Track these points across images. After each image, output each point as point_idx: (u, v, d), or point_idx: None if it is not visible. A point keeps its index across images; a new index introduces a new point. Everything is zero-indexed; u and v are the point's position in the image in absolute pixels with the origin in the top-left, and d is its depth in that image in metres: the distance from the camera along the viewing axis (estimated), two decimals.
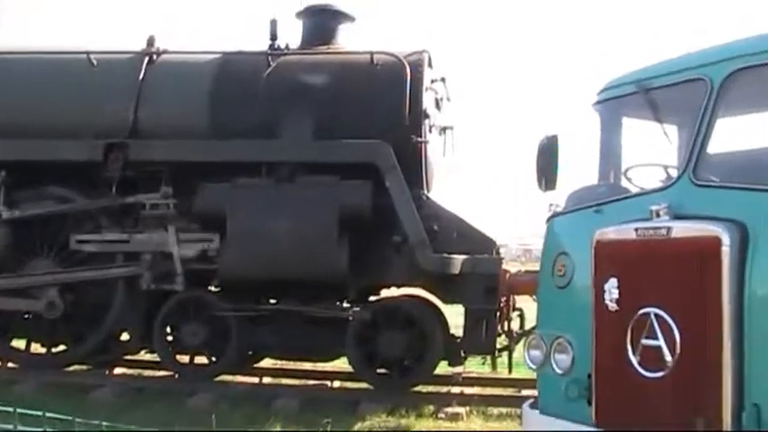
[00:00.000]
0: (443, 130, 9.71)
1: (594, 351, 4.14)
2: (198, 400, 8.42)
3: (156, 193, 8.88)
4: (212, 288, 9.19)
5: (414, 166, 8.89)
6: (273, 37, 9.52)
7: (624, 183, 4.97)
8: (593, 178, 5.06)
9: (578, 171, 5.21)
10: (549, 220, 4.91)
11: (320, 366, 9.92)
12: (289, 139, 8.80)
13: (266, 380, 9.71)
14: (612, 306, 4.03)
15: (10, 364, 9.59)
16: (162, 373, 9.62)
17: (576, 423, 4.18)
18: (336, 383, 9.59)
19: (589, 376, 4.17)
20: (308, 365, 9.97)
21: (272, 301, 8.95)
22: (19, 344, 9.63)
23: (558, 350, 4.43)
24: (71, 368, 9.58)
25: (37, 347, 9.65)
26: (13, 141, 9.12)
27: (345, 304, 8.97)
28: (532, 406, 4.72)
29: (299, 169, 8.72)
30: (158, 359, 9.38)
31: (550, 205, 4.98)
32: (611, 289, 4.02)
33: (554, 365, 4.44)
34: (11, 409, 4.34)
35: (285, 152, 8.75)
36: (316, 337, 8.90)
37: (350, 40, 9.80)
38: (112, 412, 7.37)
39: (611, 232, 4.15)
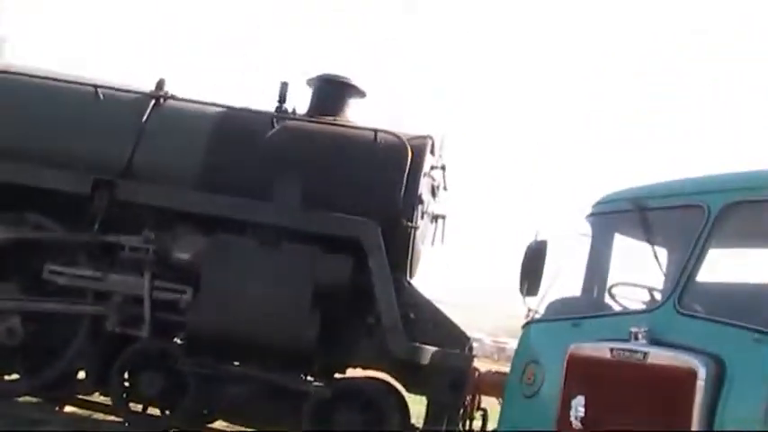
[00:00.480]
0: (435, 218, 9.65)
1: None
2: None
3: (138, 236, 8.74)
4: (176, 340, 9.00)
5: (400, 249, 8.80)
6: (282, 99, 9.50)
7: (607, 299, 4.90)
8: (577, 289, 5.00)
9: (562, 279, 5.15)
10: (525, 325, 4.84)
11: None
12: (278, 203, 8.71)
13: None
14: (577, 424, 3.92)
15: None
16: (112, 418, 9.37)
17: None
18: None
19: None
20: None
21: (236, 363, 8.75)
22: None
23: None
24: (20, 399, 9.31)
25: None
26: (1, 163, 9.01)
27: (309, 378, 8.77)
28: None
29: (283, 234, 8.61)
30: (110, 403, 9.13)
31: (529, 310, 4.90)
32: (578, 406, 3.92)
33: None
34: None
35: (272, 215, 8.65)
36: (274, 406, 8.69)
37: (358, 114, 9.79)
38: None
39: (587, 348, 4.07)
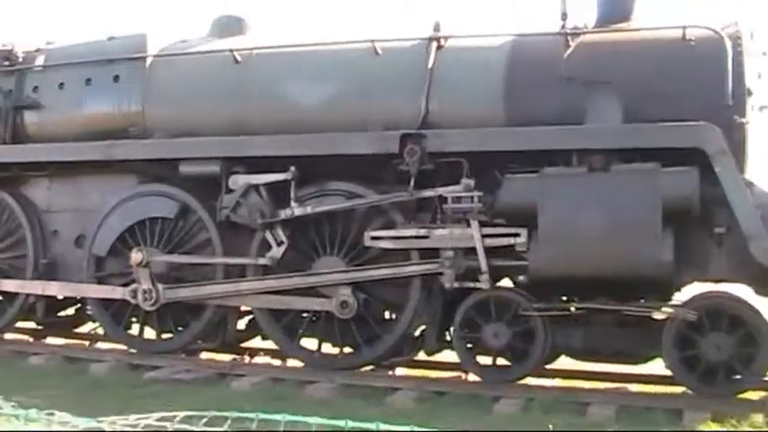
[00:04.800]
0: (761, 108, 8.79)
1: None
2: (505, 405, 7.90)
3: (457, 185, 8.35)
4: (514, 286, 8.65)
5: (735, 149, 8.03)
6: (564, 16, 8.84)
7: None
8: None
9: None
10: None
11: (629, 369, 9.17)
12: (600, 125, 8.11)
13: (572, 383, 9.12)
14: None
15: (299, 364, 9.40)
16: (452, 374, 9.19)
17: None
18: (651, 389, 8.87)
19: None
20: (611, 368, 9.24)
21: (582, 299, 8.28)
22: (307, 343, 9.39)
23: None
24: (362, 370, 9.22)
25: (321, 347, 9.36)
26: (302, 136, 8.85)
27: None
28: None
29: (612, 157, 8.01)
30: (456, 361, 8.90)
31: None
32: None
33: None
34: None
35: (598, 138, 8.05)
36: (627, 338, 8.23)
37: (648, 17, 9.04)
38: (412, 417, 6.98)
39: None
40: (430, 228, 8.51)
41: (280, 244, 8.96)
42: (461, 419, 7.51)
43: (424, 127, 8.67)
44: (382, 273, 8.70)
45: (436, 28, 9.05)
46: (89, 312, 11.25)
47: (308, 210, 8.88)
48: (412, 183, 8.49)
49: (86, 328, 11.65)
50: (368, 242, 8.71)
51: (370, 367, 9.33)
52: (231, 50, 9.48)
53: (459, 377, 9.31)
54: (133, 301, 9.50)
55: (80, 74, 10.24)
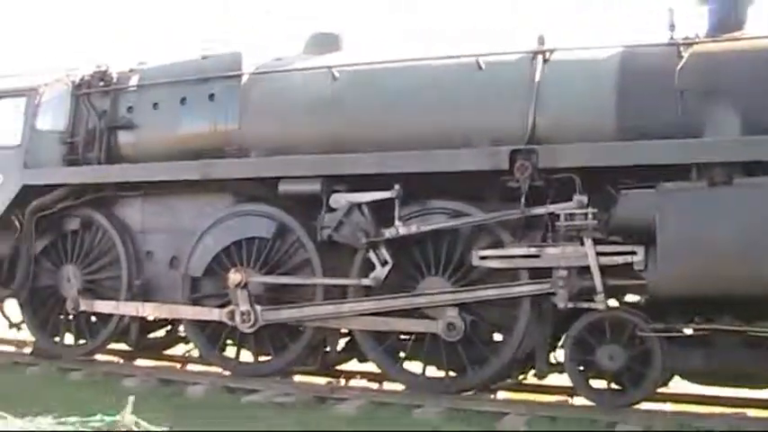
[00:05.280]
0: None
1: None
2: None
3: (569, 202, 8.07)
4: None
5: None
6: (672, 27, 8.53)
7: None
8: None
9: None
10: None
11: (743, 393, 8.78)
12: (721, 137, 7.76)
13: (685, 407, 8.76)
14: None
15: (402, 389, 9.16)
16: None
17: None
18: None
19: None
20: (729, 392, 8.85)
21: (703, 318, 7.90)
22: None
23: None
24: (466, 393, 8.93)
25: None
26: (409, 153, 8.61)
27: None
28: None
29: (733, 170, 7.65)
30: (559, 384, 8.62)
31: None
32: None
33: None
34: None
35: (720, 152, 7.68)
36: (751, 360, 7.80)
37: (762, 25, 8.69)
38: None
39: None
40: (541, 246, 8.21)
41: (384, 264, 8.73)
42: None
43: (532, 142, 8.40)
44: (491, 293, 8.42)
45: (541, 41, 8.79)
46: (180, 334, 11.17)
47: (414, 229, 8.63)
48: (523, 200, 8.21)
49: (178, 349, 11.54)
50: (476, 261, 8.44)
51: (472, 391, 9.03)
52: (329, 67, 9.31)
53: (566, 401, 9.00)
54: (230, 322, 9.34)
55: (175, 93, 10.16)
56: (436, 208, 8.85)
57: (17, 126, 10.83)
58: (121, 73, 10.79)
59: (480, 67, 8.80)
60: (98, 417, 6.99)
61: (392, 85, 9.12)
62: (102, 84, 10.72)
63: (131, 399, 6.97)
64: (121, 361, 11.32)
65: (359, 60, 9.40)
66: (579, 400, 8.75)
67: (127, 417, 6.77)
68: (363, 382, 10.09)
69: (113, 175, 10.32)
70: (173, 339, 11.41)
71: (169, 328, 11.33)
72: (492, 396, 9.19)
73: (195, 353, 10.54)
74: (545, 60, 8.68)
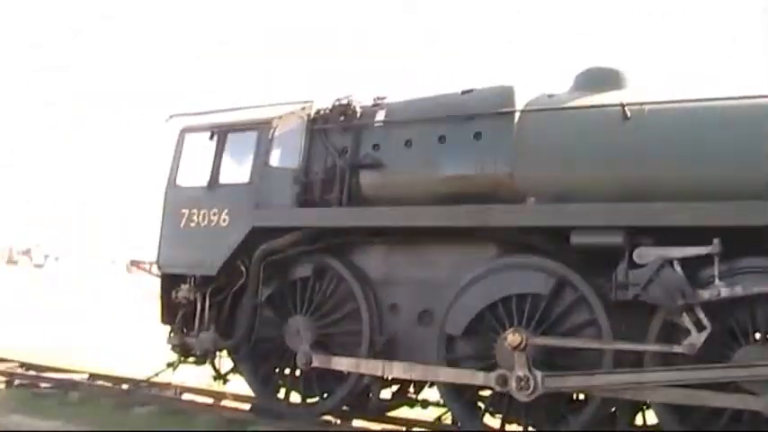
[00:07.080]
0: None
1: None
2: None
3: None
4: None
5: None
6: None
7: None
8: None
9: None
10: None
11: None
12: None
13: None
14: None
15: None
16: None
17: None
18: None
19: None
20: None
21: None
22: None
23: None
24: None
25: None
26: (734, 203, 7.48)
27: None
28: None
29: None
30: None
31: None
32: None
33: None
34: None
35: None
36: None
37: None
38: None
39: None
40: None
41: (701, 329, 7.59)
42: None
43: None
44: None
45: None
46: (410, 395, 10.16)
47: (739, 291, 7.49)
48: None
49: (401, 412, 10.50)
50: None
51: None
52: (623, 104, 8.27)
53: None
54: (501, 388, 8.23)
55: (432, 130, 9.18)
56: (751, 267, 7.69)
57: (246, 162, 9.95)
58: (365, 107, 9.86)
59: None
60: None
61: (699, 125, 8.03)
62: (342, 119, 9.81)
63: None
64: (338, 421, 10.25)
65: (648, 98, 8.33)
66: None
67: None
68: None
69: (357, 219, 9.32)
70: (400, 402, 10.33)
71: (396, 388, 10.26)
72: None
73: (448, 419, 9.46)
74: None
